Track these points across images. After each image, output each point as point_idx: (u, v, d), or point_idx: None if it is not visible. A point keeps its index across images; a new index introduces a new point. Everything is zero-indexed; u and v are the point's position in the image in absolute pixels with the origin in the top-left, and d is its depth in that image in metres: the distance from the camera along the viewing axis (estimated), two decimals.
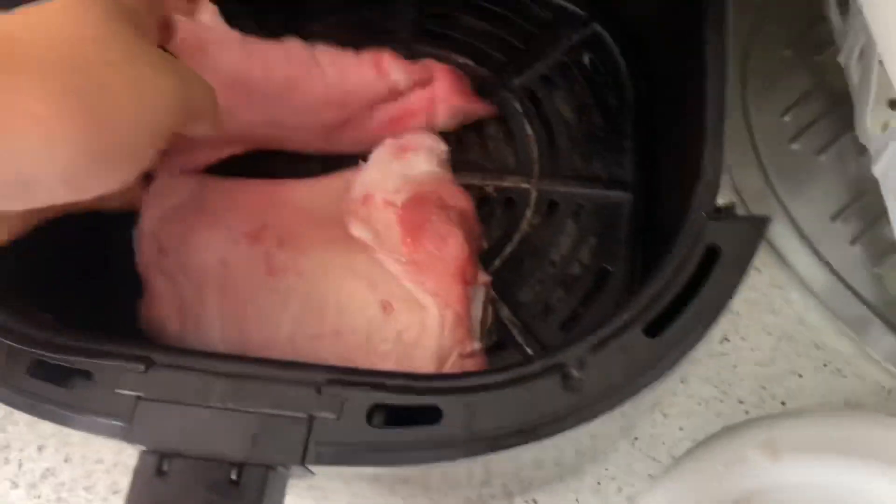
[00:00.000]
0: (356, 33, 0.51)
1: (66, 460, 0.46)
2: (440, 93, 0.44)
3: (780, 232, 0.47)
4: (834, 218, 0.47)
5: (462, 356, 0.37)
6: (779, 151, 0.49)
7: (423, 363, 0.37)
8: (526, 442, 0.25)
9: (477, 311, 0.39)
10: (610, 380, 0.25)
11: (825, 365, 0.45)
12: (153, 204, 0.43)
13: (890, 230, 0.42)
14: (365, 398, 0.26)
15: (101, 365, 0.27)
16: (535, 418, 0.25)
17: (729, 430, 0.40)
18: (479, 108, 0.45)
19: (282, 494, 0.26)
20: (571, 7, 0.50)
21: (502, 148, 0.47)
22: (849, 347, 0.46)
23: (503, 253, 0.44)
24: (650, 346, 0.26)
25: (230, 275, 0.40)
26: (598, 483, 0.43)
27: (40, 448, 0.46)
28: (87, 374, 0.27)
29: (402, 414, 0.26)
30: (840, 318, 0.45)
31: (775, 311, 0.47)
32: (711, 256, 0.27)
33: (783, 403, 0.44)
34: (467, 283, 0.38)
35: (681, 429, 0.44)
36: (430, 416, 0.26)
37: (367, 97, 0.44)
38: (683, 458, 0.39)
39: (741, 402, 0.44)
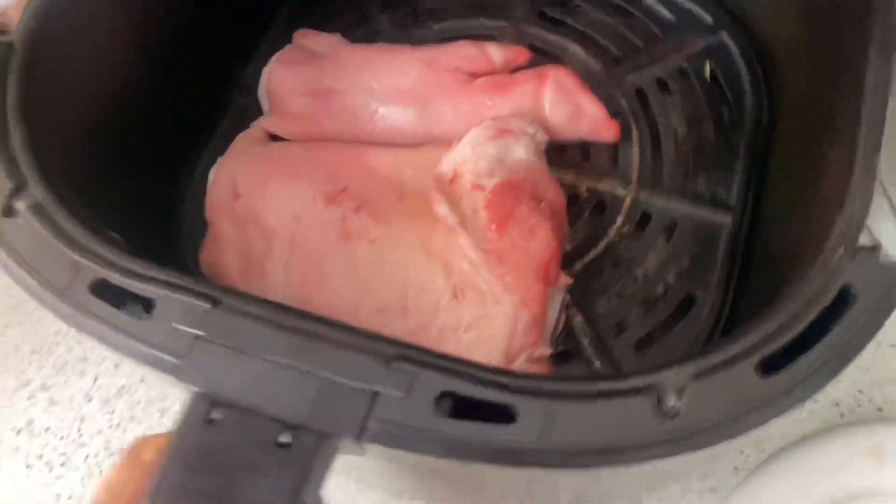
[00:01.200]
0: (469, 7, 0.49)
1: (142, 380, 0.45)
2: (550, 72, 0.42)
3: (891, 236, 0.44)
4: None
5: (530, 360, 0.35)
6: None
7: (491, 359, 0.34)
8: (607, 465, 0.22)
9: (553, 314, 0.37)
10: (711, 414, 0.23)
11: None
12: (239, 148, 0.42)
13: None
14: (436, 381, 0.24)
15: (165, 296, 0.25)
16: (621, 440, 0.23)
17: (830, 432, 0.38)
18: (596, 109, 0.42)
19: (329, 467, 0.24)
20: (700, 12, 0.47)
21: (602, 148, 0.44)
22: None
23: (585, 258, 0.41)
24: (763, 385, 0.23)
25: (302, 232, 0.38)
26: None
27: (117, 365, 0.45)
28: (149, 303, 0.25)
29: (473, 407, 0.24)
30: None
31: None
32: (845, 298, 0.24)
33: (880, 410, 0.42)
34: (549, 282, 0.36)
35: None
36: (503, 415, 0.23)
37: (465, 67, 0.42)
38: (780, 455, 0.38)
39: (836, 405, 0.42)
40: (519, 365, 0.35)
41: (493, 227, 0.36)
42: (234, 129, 0.44)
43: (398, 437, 0.23)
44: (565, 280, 0.37)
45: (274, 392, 0.24)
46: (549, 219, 0.37)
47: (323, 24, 0.49)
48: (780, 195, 0.39)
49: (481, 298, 0.35)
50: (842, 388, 0.42)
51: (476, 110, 0.42)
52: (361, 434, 0.23)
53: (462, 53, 0.43)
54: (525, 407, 0.23)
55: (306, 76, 0.43)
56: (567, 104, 0.42)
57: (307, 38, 0.46)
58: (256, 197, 0.39)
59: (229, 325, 0.25)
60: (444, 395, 0.24)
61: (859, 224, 0.25)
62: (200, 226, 0.42)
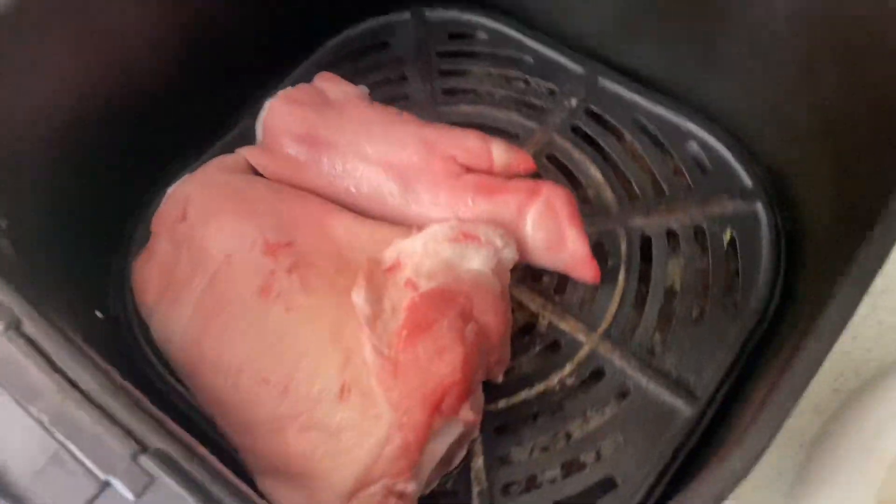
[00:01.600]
0: (511, 100, 0.46)
1: None
2: (546, 189, 0.38)
3: None
4: None
5: (389, 490, 0.31)
6: None
7: (343, 474, 0.31)
8: None
9: (438, 448, 0.32)
10: None
11: None
12: (210, 170, 0.41)
13: None
14: (171, 495, 0.21)
15: None
16: None
17: None
18: (579, 246, 0.38)
19: None
20: (742, 174, 0.42)
21: (581, 286, 0.40)
22: None
23: (515, 397, 0.37)
24: None
25: (227, 273, 0.36)
26: None
27: None
28: None
29: None
30: None
31: None
32: None
33: None
34: (440, 412, 0.32)
35: (868, 350, 0.42)
36: None
37: (462, 158, 0.40)
38: (879, 378, 0.39)
39: None
40: (374, 491, 0.31)
41: (404, 332, 0.33)
42: (230, 150, 0.44)
43: None
44: (468, 416, 0.33)
45: (8, 445, 0.21)
46: (468, 345, 0.33)
47: (357, 73, 0.47)
48: (747, 405, 0.33)
49: (363, 406, 0.32)
50: None
51: (453, 205, 0.39)
52: None
53: (464, 143, 0.40)
54: None
55: (306, 120, 0.42)
56: (551, 229, 0.38)
57: (326, 83, 0.45)
58: (200, 223, 0.38)
59: (10, 358, 0.23)
60: None
61: (729, 485, 0.20)
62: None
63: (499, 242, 0.37)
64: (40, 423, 0.22)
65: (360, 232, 0.38)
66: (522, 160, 0.41)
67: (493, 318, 0.35)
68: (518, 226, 0.38)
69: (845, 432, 0.38)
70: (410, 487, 0.32)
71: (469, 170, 0.40)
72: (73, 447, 0.22)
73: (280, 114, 0.42)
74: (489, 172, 0.40)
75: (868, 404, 0.38)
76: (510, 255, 0.37)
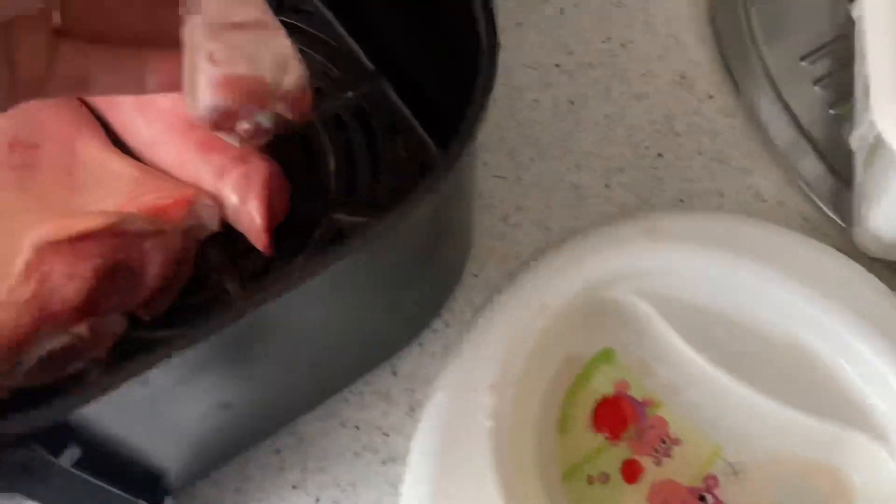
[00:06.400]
0: None
1: None
2: (252, 161, 0.42)
3: (741, 61, 0.50)
4: (803, 58, 0.49)
5: None
6: None
7: None
8: None
9: (37, 351, 0.37)
10: None
11: (749, 187, 0.48)
12: None
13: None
14: None
15: None
16: None
17: (620, 217, 0.45)
18: (258, 219, 0.42)
19: None
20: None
21: (264, 258, 0.44)
22: (779, 175, 0.48)
23: (152, 334, 0.42)
24: None
25: None
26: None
27: None
28: None
29: None
30: (777, 147, 0.48)
31: (715, 133, 0.49)
32: None
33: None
34: (48, 324, 0.37)
35: (592, 222, 0.47)
36: None
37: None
38: (570, 237, 0.44)
39: (655, 209, 0.47)
40: None
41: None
42: None
43: None
44: (83, 332, 0.38)
45: None
46: (101, 281, 0.37)
47: None
48: None
49: None
50: (666, 196, 0.47)
51: (167, 140, 0.43)
52: None
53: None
54: None
55: None
56: (242, 197, 0.41)
57: None
58: None
59: None
60: None
61: None
62: None
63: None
64: None
65: (106, 167, 0.43)
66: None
67: (155, 270, 0.40)
68: (217, 186, 0.42)
69: (510, 290, 0.42)
70: None
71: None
72: None
73: None
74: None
75: (548, 263, 0.43)
76: (210, 226, 0.42)
